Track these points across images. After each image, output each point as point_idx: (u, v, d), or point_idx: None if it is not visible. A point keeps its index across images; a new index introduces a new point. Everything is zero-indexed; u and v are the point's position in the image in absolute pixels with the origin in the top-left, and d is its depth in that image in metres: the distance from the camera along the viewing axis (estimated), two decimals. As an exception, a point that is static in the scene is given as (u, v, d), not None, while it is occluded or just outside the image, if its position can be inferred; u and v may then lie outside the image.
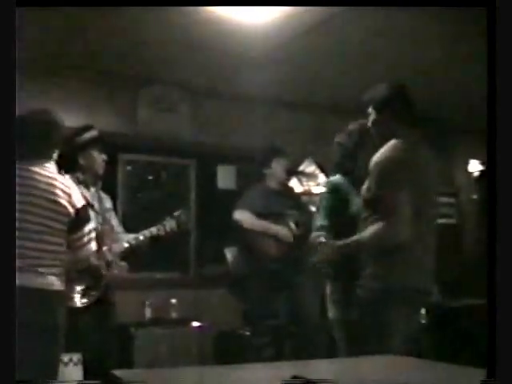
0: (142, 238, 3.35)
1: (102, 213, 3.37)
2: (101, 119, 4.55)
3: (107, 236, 3.29)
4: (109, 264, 3.25)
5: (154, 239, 3.39)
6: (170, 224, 3.43)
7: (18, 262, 2.42)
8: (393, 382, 1.46)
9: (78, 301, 3.08)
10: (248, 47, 4.25)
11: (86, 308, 3.07)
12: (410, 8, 3.43)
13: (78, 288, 3.07)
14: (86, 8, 3.44)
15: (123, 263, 3.38)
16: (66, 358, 2.97)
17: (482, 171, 6.16)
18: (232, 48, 4.25)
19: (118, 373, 1.48)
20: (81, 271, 2.94)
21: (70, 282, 2.89)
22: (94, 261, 2.93)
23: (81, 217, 2.69)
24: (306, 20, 3.82)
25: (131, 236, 3.39)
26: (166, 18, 3.77)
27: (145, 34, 4.08)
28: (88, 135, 3.36)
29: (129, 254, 3.39)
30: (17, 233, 2.43)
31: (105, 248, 3.23)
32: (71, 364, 3.04)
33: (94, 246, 2.80)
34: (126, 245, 3.34)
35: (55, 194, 2.59)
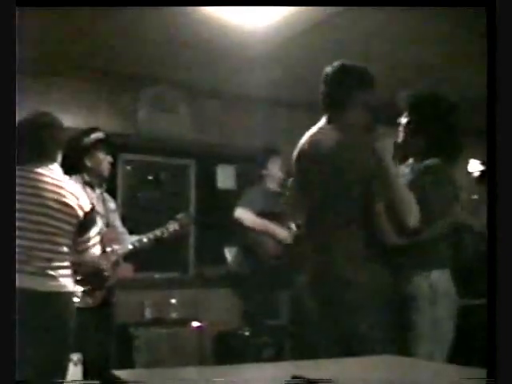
0: (145, 240, 3.38)
1: (106, 214, 3.39)
2: (101, 119, 4.56)
3: (111, 237, 3.30)
4: (113, 265, 3.26)
5: (157, 241, 3.41)
6: (173, 226, 3.45)
7: (29, 266, 2.46)
8: (393, 382, 1.46)
9: (83, 301, 3.09)
10: (248, 47, 4.25)
11: (86, 308, 3.07)
12: (410, 8, 3.43)
13: (83, 289, 3.08)
14: (86, 8, 3.45)
15: (128, 264, 3.40)
16: (65, 357, 2.98)
17: (482, 171, 6.15)
18: (232, 48, 4.25)
19: (117, 373, 1.48)
20: (85, 273, 2.95)
21: (75, 283, 2.91)
22: (98, 263, 2.95)
23: (88, 220, 2.70)
24: (305, 20, 3.82)
25: (135, 238, 3.41)
26: (165, 18, 3.77)
27: (145, 34, 4.08)
28: (94, 136, 3.37)
29: (132, 256, 3.41)
30: (27, 234, 2.46)
31: (109, 249, 3.24)
32: (71, 364, 3.04)
33: (98, 249, 2.81)
34: (130, 246, 3.35)
35: (64, 196, 2.60)
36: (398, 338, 2.40)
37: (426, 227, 2.37)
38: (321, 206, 2.43)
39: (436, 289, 2.43)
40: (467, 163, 6.43)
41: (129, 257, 3.41)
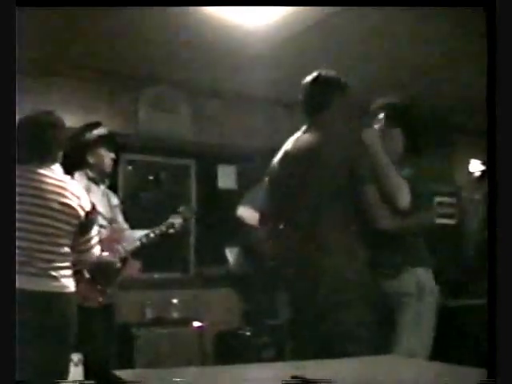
0: (152, 235, 3.36)
1: (110, 210, 3.38)
2: (101, 119, 4.54)
3: (114, 237, 3.29)
4: (123, 261, 3.26)
5: (163, 236, 3.40)
6: (176, 220, 3.45)
7: (31, 267, 2.46)
8: (393, 382, 1.47)
9: (95, 300, 3.09)
10: (248, 47, 4.25)
11: (87, 308, 3.07)
12: (410, 8, 3.43)
13: (95, 288, 3.09)
14: (86, 8, 3.45)
15: (136, 261, 3.40)
16: (66, 358, 2.98)
17: (482, 171, 6.16)
18: (232, 48, 4.25)
19: (118, 373, 1.48)
20: (97, 271, 2.95)
21: (86, 282, 2.92)
22: (109, 259, 2.97)
23: (89, 220, 2.70)
24: (305, 20, 3.82)
25: (141, 234, 3.39)
26: (165, 18, 3.77)
27: (145, 34, 4.08)
28: (96, 132, 3.36)
29: (139, 252, 3.40)
30: (29, 236, 2.46)
31: (118, 246, 3.23)
32: (72, 364, 3.04)
33: (98, 249, 2.81)
34: (138, 243, 3.34)
35: (66, 197, 2.59)
36: (388, 334, 2.47)
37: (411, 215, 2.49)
38: (314, 205, 2.45)
39: (423, 286, 2.53)
40: (467, 163, 6.44)
41: (136, 253, 3.40)
